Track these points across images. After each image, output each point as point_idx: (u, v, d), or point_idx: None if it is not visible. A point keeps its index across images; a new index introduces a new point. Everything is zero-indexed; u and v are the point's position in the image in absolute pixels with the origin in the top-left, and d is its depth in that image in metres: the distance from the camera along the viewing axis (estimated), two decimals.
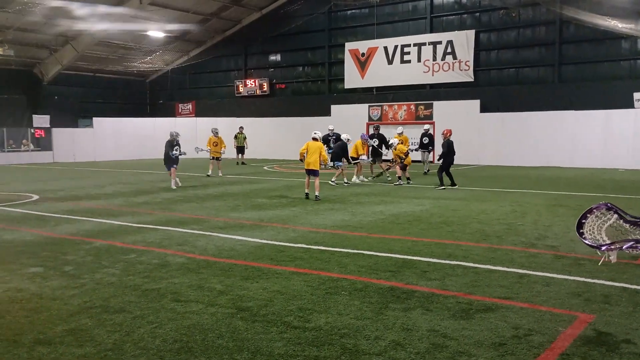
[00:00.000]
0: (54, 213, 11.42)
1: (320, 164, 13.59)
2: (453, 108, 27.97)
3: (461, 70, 28.49)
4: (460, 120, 26.68)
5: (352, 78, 32.27)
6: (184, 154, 16.81)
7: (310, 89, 35.59)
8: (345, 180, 17.13)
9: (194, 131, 35.74)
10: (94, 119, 34.05)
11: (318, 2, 33.57)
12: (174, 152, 16.26)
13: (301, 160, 13.90)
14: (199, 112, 38.88)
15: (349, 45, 32.31)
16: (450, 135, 16.34)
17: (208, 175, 20.37)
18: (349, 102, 31.95)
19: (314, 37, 34.54)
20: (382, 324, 4.76)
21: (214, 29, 37.36)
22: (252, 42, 37.14)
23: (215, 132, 21.20)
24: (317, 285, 5.94)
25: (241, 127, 28.51)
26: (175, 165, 16.37)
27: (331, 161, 16.84)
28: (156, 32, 34.87)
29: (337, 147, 17.17)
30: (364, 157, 18.50)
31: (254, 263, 6.96)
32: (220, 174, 20.45)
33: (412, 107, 29.69)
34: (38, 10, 28.12)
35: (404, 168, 17.12)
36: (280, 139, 32.96)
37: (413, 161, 18.69)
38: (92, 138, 33.14)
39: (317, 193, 13.42)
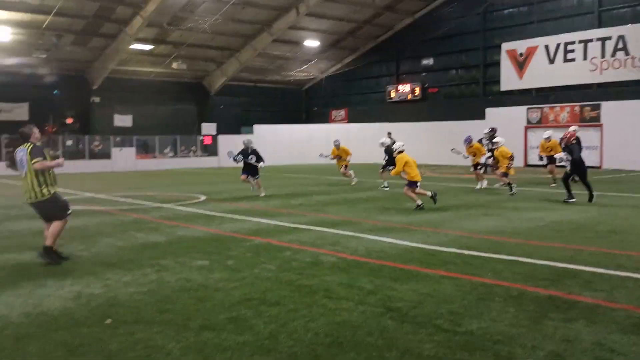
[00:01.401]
0: (219, 212, 12.32)
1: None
2: (624, 109, 25.58)
3: (634, 67, 25.97)
4: (634, 122, 24.34)
5: (509, 79, 30.90)
6: (261, 162, 15.69)
7: (464, 92, 34.70)
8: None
9: (346, 137, 36.51)
10: (254, 126, 36.16)
11: (472, 3, 32.66)
12: (242, 159, 15.52)
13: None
14: (352, 118, 39.68)
15: (505, 46, 31.00)
16: (573, 139, 13.51)
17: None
18: (505, 104, 30.62)
19: (468, 39, 33.64)
20: (539, 333, 4.49)
21: (367, 35, 37.93)
22: (404, 47, 37.12)
23: (336, 145, 19.91)
24: (468, 290, 5.77)
25: (389, 133, 28.53)
26: (257, 176, 15.67)
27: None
28: (312, 41, 36.22)
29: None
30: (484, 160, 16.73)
31: (403, 265, 6.93)
32: (353, 183, 19.11)
33: (577, 108, 27.69)
34: (207, 26, 30.57)
35: (505, 175, 15.18)
36: (432, 143, 32.48)
37: (557, 166, 16.41)
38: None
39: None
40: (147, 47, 33.53)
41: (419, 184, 12.46)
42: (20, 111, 32.65)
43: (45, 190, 7.38)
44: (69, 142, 33.17)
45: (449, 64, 35.22)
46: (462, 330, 4.57)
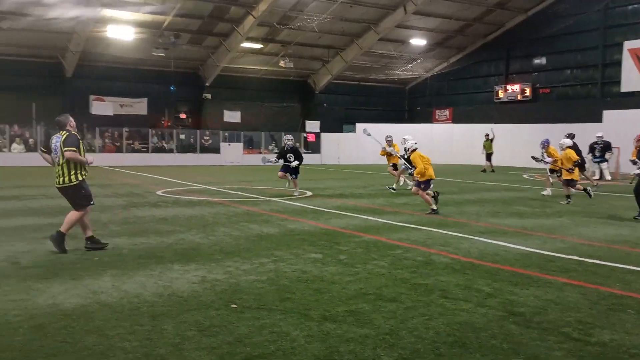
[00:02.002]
0: (326, 208, 12.52)
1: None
2: None
3: None
4: None
5: (631, 80, 28.93)
6: (296, 160, 14.95)
7: (579, 93, 32.92)
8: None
9: (450, 137, 35.86)
10: (357, 124, 36.35)
11: None
12: (276, 161, 15.15)
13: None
14: (456, 119, 38.83)
15: (628, 44, 29.03)
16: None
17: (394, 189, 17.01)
18: (625, 106, 28.65)
19: (586, 37, 31.86)
20: None
21: (476, 33, 36.97)
22: (514, 46, 35.80)
23: (388, 141, 18.14)
24: (596, 299, 5.48)
25: (487, 135, 27.58)
26: (294, 176, 15.07)
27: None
28: (419, 40, 35.82)
29: None
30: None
31: (521, 270, 6.71)
32: (400, 184, 17.20)
33: None
34: (315, 25, 31.08)
35: (569, 183, 13.77)
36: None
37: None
38: (355, 142, 35.36)
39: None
40: (257, 45, 34.65)
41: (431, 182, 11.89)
42: (139, 106, 34.91)
43: (73, 177, 7.47)
44: (182, 136, 35.01)
45: (563, 63, 33.52)
46: (593, 340, 4.36)
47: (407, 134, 14.52)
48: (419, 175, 11.69)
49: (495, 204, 13.81)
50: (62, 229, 7.45)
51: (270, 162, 15.29)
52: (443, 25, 35.15)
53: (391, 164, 17.59)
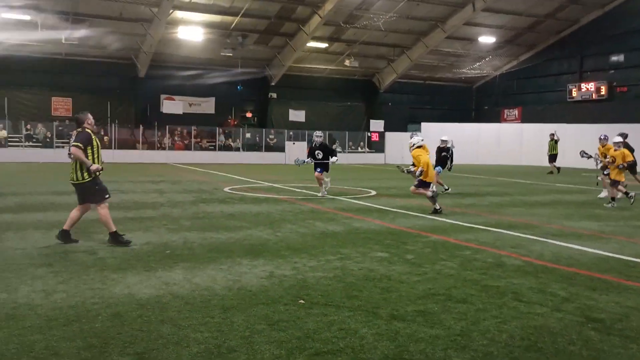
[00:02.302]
0: (391, 207, 12.42)
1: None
2: None
3: None
4: None
5: None
6: (333, 157, 14.14)
7: None
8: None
9: (519, 138, 34.83)
10: (422, 124, 35.88)
11: None
12: (307, 160, 14.38)
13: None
14: (525, 118, 37.68)
15: None
16: None
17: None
18: None
19: None
20: None
21: (547, 30, 35.76)
22: (589, 43, 34.37)
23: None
24: None
25: (552, 134, 26.46)
26: (319, 169, 14.15)
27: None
28: (487, 37, 35.00)
29: None
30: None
31: (599, 275, 6.41)
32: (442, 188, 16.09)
33: None
34: (381, 24, 30.90)
35: (614, 184, 12.83)
36: None
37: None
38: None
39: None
40: (323, 45, 34.81)
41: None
42: (207, 105, 35.81)
43: (86, 174, 7.49)
44: (248, 135, 35.64)
45: None
46: None
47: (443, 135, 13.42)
48: (422, 172, 11.18)
49: (568, 206, 13.29)
50: (108, 229, 7.60)
51: (304, 162, 14.64)
52: (513, 22, 34.17)
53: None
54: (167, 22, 29.11)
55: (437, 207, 11.46)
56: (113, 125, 31.97)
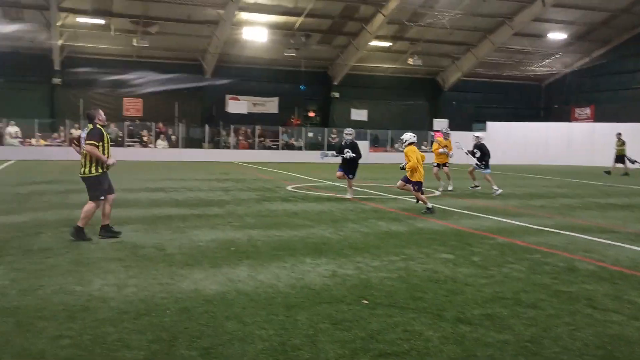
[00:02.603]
0: (455, 208, 12.16)
1: None
2: None
3: None
4: None
5: None
6: (349, 153, 13.21)
7: None
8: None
9: (591, 137, 33.42)
10: (488, 123, 35.01)
11: None
12: (335, 154, 13.71)
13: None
14: (599, 117, 36.11)
15: None
16: None
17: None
18: None
19: None
20: None
21: (622, 26, 34.18)
22: None
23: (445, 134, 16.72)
24: None
25: (619, 134, 25.09)
26: (352, 175, 13.51)
27: None
28: (557, 33, 33.79)
29: None
30: None
31: None
32: (448, 187, 15.94)
33: None
34: (446, 21, 30.38)
35: None
36: None
37: None
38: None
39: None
40: (386, 44, 34.58)
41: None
42: (271, 105, 36.28)
43: (93, 169, 7.66)
44: (310, 134, 35.84)
45: None
46: None
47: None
48: (409, 171, 11.04)
49: None
50: (79, 222, 7.72)
51: (328, 155, 14.09)
52: (585, 17, 32.82)
53: (437, 164, 16.27)
54: (232, 23, 29.68)
55: (429, 206, 11.12)
56: (180, 124, 32.88)
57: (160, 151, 31.31)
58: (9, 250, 7.02)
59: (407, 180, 11.28)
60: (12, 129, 29.68)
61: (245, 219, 9.98)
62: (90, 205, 7.79)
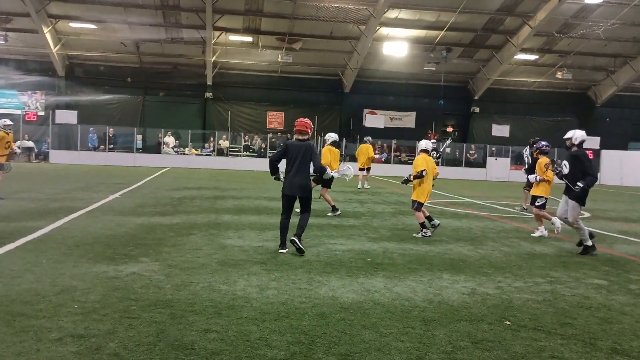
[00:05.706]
0: (608, 231, 11.26)
1: None
2: None
3: None
4: None
5: None
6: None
7: None
8: None
9: None
10: None
11: None
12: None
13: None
14: None
15: None
16: None
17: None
18: None
19: None
20: None
21: None
22: None
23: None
24: None
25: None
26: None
27: None
28: None
29: None
30: None
31: None
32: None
33: None
34: (601, 32, 28.34)
35: None
36: None
37: None
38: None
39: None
40: (532, 57, 33.00)
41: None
42: (408, 119, 36.09)
43: None
44: (448, 150, 35.05)
45: None
46: None
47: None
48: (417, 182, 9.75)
49: None
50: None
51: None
52: None
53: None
54: (373, 38, 30.02)
55: (430, 222, 9.87)
56: (319, 137, 33.79)
57: None
58: (165, 248, 7.62)
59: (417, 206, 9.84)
60: (169, 139, 32.41)
61: (380, 231, 9.98)
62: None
